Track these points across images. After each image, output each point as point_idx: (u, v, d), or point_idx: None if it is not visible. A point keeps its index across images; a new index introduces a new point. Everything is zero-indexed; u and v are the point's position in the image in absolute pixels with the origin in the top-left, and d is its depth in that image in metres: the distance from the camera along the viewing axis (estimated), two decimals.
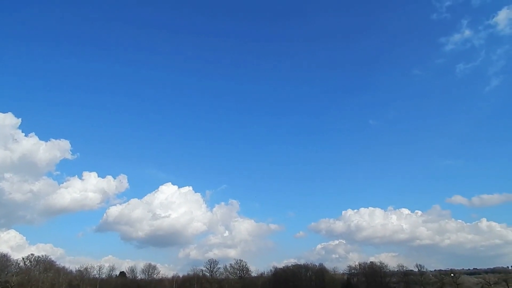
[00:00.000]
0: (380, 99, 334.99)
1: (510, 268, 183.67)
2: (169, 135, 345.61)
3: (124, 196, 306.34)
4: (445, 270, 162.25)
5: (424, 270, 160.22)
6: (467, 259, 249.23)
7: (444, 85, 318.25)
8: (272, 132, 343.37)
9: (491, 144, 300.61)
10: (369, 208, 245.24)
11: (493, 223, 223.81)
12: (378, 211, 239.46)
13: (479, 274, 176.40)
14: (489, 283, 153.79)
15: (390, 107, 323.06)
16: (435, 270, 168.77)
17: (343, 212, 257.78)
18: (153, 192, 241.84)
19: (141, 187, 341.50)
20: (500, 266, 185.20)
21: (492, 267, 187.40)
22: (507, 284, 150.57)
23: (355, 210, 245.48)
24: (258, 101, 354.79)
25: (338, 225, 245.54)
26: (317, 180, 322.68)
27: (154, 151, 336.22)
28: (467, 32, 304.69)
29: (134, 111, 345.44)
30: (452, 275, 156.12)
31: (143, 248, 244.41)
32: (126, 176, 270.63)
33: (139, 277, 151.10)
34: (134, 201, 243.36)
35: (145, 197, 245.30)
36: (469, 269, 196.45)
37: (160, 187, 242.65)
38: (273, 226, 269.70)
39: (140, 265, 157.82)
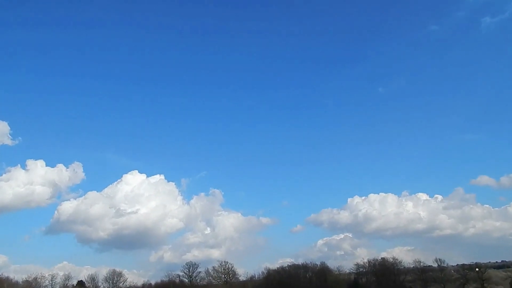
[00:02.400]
0: (390, 63, 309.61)
1: None
2: (134, 112, 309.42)
3: (80, 189, 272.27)
4: (469, 264, 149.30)
5: (445, 265, 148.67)
6: (495, 251, 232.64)
7: (466, 43, 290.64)
8: (261, 107, 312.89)
9: None
10: (380, 194, 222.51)
11: None
12: (390, 198, 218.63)
13: (509, 267, 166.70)
14: None
15: (402, 72, 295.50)
16: (457, 264, 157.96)
17: (348, 200, 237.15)
18: (116, 182, 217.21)
19: (100, 177, 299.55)
20: None
21: None
22: None
23: (363, 197, 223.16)
24: (243, 71, 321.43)
25: (343, 216, 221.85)
26: (316, 163, 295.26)
27: (114, 133, 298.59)
28: None
29: (87, 84, 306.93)
30: (477, 269, 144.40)
31: (106, 251, 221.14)
32: (81, 164, 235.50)
33: (102, 286, 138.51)
34: (92, 194, 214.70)
35: (106, 189, 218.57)
36: (496, 262, 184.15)
37: (124, 176, 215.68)
38: (264, 220, 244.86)
39: (103, 272, 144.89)
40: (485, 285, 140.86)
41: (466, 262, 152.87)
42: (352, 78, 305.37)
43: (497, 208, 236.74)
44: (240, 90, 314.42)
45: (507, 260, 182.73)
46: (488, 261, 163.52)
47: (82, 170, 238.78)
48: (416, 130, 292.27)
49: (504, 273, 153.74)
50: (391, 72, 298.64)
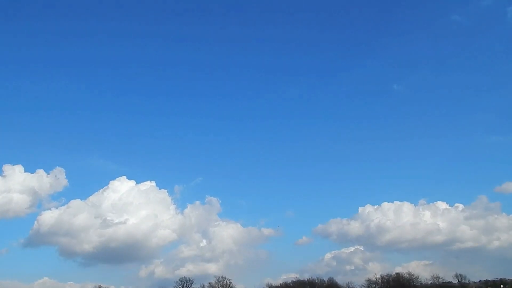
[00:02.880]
0: (407, 57, 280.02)
1: None
2: (122, 113, 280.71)
3: (62, 197, 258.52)
4: (493, 280, 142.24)
5: (466, 281, 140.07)
6: None
7: (491, 34, 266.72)
8: (263, 107, 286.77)
9: None
10: (395, 202, 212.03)
11: None
12: (406, 206, 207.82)
13: None
14: None
15: (420, 67, 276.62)
16: (480, 281, 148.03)
17: (360, 209, 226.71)
18: (102, 190, 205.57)
19: (84, 184, 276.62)
20: None
21: None
22: None
23: (376, 206, 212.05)
24: (246, 68, 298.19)
25: (354, 227, 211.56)
26: (324, 168, 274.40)
27: (100, 136, 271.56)
28: None
29: (70, 83, 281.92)
30: (501, 286, 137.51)
31: (91, 266, 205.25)
32: (63, 170, 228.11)
33: None
34: (75, 203, 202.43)
35: (91, 197, 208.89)
36: None
37: (111, 183, 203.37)
38: (266, 231, 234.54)
39: None
40: None
41: (490, 278, 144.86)
42: (364, 74, 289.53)
43: None
44: (241, 88, 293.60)
45: None
46: None
47: (65, 176, 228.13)
48: (435, 131, 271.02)
49: None
50: (407, 67, 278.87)
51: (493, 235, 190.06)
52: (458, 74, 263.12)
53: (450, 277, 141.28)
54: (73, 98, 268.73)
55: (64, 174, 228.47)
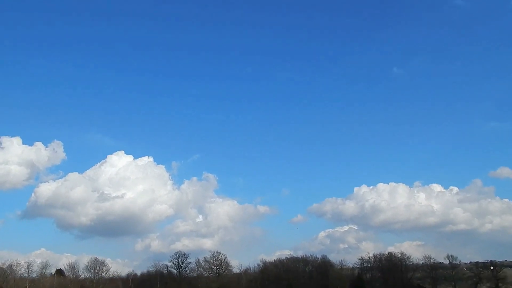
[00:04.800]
0: (407, 41, 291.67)
1: None
2: (120, 88, 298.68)
3: (60, 170, 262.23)
4: (484, 262, 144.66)
5: (457, 262, 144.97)
6: None
7: (493, 20, 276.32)
8: (261, 85, 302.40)
9: None
10: (390, 183, 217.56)
11: None
12: (401, 188, 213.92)
13: None
14: None
15: (420, 51, 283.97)
16: (470, 262, 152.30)
17: (355, 189, 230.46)
18: (99, 164, 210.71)
19: (82, 158, 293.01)
20: None
21: None
22: None
23: (371, 187, 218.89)
24: (244, 47, 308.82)
25: (348, 206, 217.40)
26: (321, 148, 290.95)
27: (99, 110, 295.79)
28: None
29: (70, 57, 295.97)
30: (491, 268, 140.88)
31: (87, 238, 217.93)
32: (61, 143, 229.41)
33: (82, 275, 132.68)
34: (73, 176, 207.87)
35: (88, 170, 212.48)
36: None
37: (109, 157, 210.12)
38: (262, 209, 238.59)
39: (84, 260, 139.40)
40: (499, 284, 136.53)
41: (481, 260, 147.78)
42: (365, 57, 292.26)
43: None
44: (242, 69, 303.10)
45: None
46: (504, 260, 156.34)
47: (63, 150, 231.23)
48: (434, 115, 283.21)
49: None
50: (408, 50, 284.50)
51: (486, 218, 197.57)
52: (458, 60, 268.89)
53: (441, 258, 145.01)
54: (73, 74, 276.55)
55: (62, 147, 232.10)
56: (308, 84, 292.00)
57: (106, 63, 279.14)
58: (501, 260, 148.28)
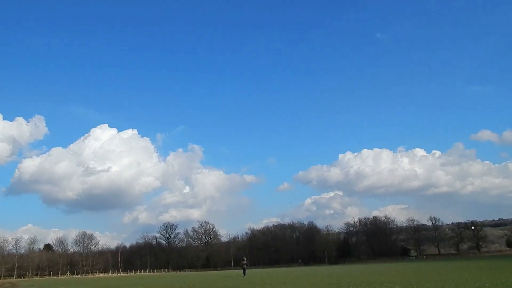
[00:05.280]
0: (390, 6, 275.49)
1: None
2: (102, 60, 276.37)
3: (43, 145, 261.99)
4: (465, 223, 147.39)
5: (440, 223, 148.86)
6: (492, 209, 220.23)
7: None
8: (246, 53, 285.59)
9: None
10: (374, 149, 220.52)
11: None
12: (385, 153, 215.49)
13: (505, 225, 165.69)
14: None
15: (404, 16, 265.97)
16: (452, 223, 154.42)
17: (340, 155, 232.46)
18: (83, 138, 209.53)
19: (65, 132, 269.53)
20: None
21: None
22: None
23: (356, 153, 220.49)
24: (226, 18, 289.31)
25: (334, 173, 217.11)
26: (306, 116, 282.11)
27: (80, 83, 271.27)
28: None
29: (49, 28, 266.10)
30: (472, 228, 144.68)
31: (75, 213, 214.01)
32: (43, 118, 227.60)
33: (71, 249, 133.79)
34: (57, 150, 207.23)
35: (72, 145, 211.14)
36: (493, 220, 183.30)
37: (92, 130, 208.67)
38: (248, 178, 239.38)
39: (72, 234, 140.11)
40: (480, 243, 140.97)
41: (462, 221, 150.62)
42: (348, 23, 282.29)
43: (497, 165, 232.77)
44: (222, 35, 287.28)
45: (504, 218, 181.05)
46: (485, 219, 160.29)
47: (45, 124, 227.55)
48: (416, 80, 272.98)
49: (500, 231, 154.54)
50: (391, 16, 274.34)
51: (467, 180, 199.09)
52: (441, 25, 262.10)
53: (424, 220, 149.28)
54: (52, 47, 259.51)
55: (44, 122, 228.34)
56: (291, 52, 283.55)
57: (87, 35, 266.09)
58: (481, 220, 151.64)
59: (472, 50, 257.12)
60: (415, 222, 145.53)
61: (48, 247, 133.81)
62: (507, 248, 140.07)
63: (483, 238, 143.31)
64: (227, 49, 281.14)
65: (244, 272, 42.61)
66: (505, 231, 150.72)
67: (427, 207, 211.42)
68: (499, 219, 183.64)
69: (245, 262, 45.25)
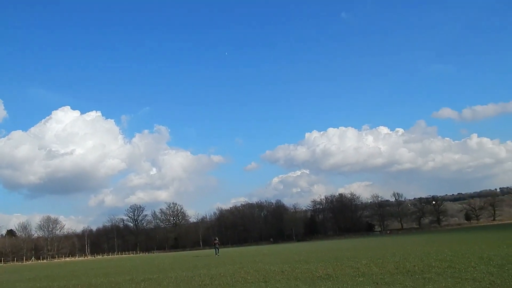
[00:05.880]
0: None
1: (498, 190, 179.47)
2: (62, 40, 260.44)
3: (2, 129, 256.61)
4: (426, 198, 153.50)
5: (403, 199, 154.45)
6: (452, 184, 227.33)
7: None
8: (210, 34, 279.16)
9: (490, 45, 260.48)
10: (340, 128, 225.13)
11: (485, 139, 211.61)
12: (350, 132, 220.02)
13: (464, 199, 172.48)
14: (474, 208, 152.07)
15: None
16: (414, 198, 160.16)
17: (306, 134, 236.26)
18: (44, 120, 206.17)
19: (25, 115, 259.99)
20: (488, 189, 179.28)
21: (478, 190, 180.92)
22: (494, 209, 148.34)
23: (322, 132, 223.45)
24: None
25: (300, 152, 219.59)
26: (272, 95, 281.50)
27: (39, 64, 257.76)
28: None
29: (5, 4, 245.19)
30: (433, 202, 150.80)
31: (38, 197, 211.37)
32: (1, 101, 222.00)
33: (35, 234, 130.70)
34: (17, 134, 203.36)
35: (33, 128, 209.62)
36: (453, 194, 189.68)
37: (54, 113, 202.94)
38: (216, 158, 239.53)
39: (36, 219, 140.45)
40: (440, 217, 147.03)
41: (423, 196, 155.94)
42: (312, 1, 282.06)
43: (457, 141, 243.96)
44: (188, 8, 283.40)
45: (463, 193, 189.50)
46: (445, 194, 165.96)
47: (3, 107, 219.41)
48: (380, 60, 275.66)
49: (459, 205, 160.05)
50: None
51: (428, 156, 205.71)
52: (403, 4, 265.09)
53: (388, 196, 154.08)
54: (11, 28, 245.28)
55: (2, 105, 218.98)
56: (256, 30, 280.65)
57: (46, 14, 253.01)
58: (442, 195, 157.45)
59: (433, 30, 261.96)
60: (379, 198, 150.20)
61: (11, 232, 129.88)
62: (466, 222, 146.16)
63: (444, 212, 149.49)
64: (192, 26, 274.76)
65: (217, 252, 43.03)
66: (464, 205, 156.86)
67: (390, 184, 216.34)
68: (458, 193, 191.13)
69: (217, 241, 45.55)
